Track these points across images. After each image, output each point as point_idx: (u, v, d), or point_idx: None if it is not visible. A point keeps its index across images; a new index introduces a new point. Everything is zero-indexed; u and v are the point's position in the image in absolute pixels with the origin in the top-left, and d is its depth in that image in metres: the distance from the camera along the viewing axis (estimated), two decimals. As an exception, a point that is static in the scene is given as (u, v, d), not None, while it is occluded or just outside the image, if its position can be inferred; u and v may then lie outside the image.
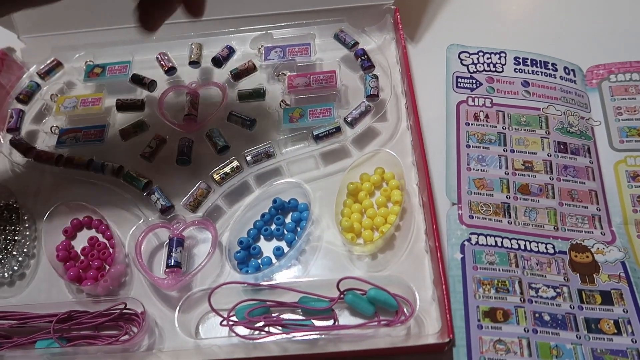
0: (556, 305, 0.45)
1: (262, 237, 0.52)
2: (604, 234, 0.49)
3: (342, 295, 0.45)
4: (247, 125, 0.58)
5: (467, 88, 0.59)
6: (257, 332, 0.45)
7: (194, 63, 0.63)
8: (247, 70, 0.62)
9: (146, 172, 0.55)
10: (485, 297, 0.45)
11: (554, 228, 0.49)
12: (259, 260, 0.50)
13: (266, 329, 0.45)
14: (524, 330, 0.43)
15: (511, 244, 0.48)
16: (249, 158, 0.54)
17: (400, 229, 0.51)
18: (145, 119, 0.60)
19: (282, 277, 0.49)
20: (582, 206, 0.51)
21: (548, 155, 0.54)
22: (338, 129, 0.55)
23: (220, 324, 0.46)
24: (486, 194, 0.51)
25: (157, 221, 0.52)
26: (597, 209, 0.51)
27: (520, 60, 0.61)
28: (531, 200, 0.51)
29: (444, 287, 0.43)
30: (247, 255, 0.50)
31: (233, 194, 0.54)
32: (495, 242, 0.48)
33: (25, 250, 0.53)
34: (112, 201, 0.55)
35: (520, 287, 0.46)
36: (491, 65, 0.60)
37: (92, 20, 0.64)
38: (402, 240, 0.50)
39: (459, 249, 0.48)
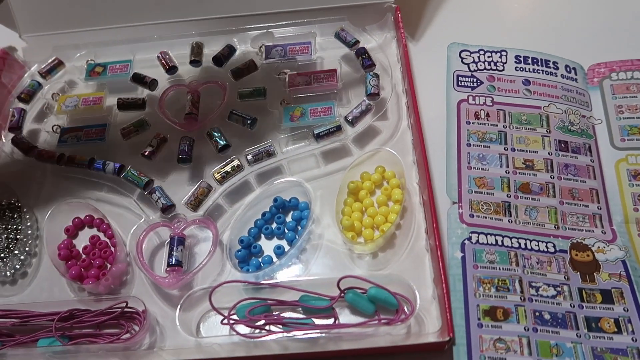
0: (556, 304, 0.45)
1: (262, 235, 0.52)
2: (605, 233, 0.49)
3: (342, 294, 0.45)
4: (248, 124, 0.58)
5: (467, 86, 0.58)
6: (257, 330, 0.45)
7: (195, 62, 0.63)
8: (248, 69, 0.62)
9: (147, 171, 0.55)
10: (485, 295, 0.45)
11: (555, 227, 0.49)
12: (260, 259, 0.50)
13: (267, 327, 0.45)
14: (524, 328, 0.43)
15: (511, 243, 0.48)
16: (249, 157, 0.54)
17: (400, 227, 0.51)
18: (146, 118, 0.60)
19: (283, 275, 0.49)
20: (583, 205, 0.51)
21: (549, 153, 0.54)
22: (339, 128, 0.55)
23: (221, 322, 0.46)
24: (487, 193, 0.51)
25: (158, 220, 0.52)
26: (597, 208, 0.51)
27: (521, 59, 0.60)
28: (532, 199, 0.51)
29: (444, 285, 0.43)
30: (247, 254, 0.50)
31: (234, 192, 0.54)
32: (496, 240, 0.48)
33: (27, 249, 0.53)
34: (113, 200, 0.55)
35: (520, 286, 0.46)
36: (492, 63, 0.60)
37: (93, 20, 0.65)
38: (402, 239, 0.50)
39: (460, 248, 0.48)
